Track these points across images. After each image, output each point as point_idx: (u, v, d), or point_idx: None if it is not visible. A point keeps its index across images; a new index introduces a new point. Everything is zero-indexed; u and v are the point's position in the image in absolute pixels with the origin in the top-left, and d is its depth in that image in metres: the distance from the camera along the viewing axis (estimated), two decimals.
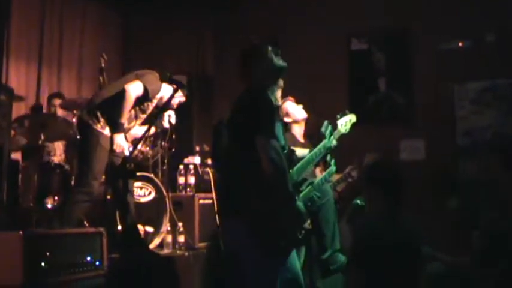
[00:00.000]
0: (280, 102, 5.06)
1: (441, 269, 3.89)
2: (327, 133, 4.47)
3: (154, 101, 4.72)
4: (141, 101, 4.60)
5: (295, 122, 5.10)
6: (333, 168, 4.67)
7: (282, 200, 3.08)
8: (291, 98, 5.17)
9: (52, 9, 6.90)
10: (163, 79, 4.70)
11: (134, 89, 4.47)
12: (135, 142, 4.82)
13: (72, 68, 7.11)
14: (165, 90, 4.72)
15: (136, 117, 4.74)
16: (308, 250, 4.69)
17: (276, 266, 3.14)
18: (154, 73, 4.73)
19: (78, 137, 4.80)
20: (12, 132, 5.17)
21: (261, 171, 3.03)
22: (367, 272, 3.11)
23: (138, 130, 4.86)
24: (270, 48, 3.34)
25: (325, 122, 4.52)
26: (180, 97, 4.83)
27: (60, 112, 5.69)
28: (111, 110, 4.47)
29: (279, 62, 3.34)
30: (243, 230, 3.09)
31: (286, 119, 5.06)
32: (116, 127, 4.39)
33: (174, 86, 4.41)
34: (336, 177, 5.15)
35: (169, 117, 4.82)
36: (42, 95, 6.47)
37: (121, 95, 4.45)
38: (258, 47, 3.38)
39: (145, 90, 4.52)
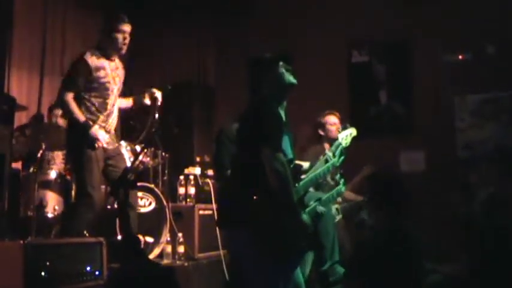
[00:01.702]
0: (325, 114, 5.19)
1: (440, 279, 3.89)
2: (337, 152, 4.50)
3: (99, 73, 4.43)
4: (80, 90, 4.39)
5: (327, 138, 5.18)
6: (341, 187, 4.69)
7: (286, 211, 3.08)
8: (337, 114, 5.27)
9: (54, 19, 6.92)
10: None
11: (63, 90, 4.36)
12: (136, 153, 4.82)
13: None
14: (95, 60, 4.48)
15: (105, 98, 4.47)
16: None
17: (279, 276, 3.14)
18: (79, 57, 4.50)
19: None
20: (14, 142, 5.19)
21: (266, 182, 3.04)
22: (368, 282, 3.11)
23: (121, 102, 4.74)
24: (281, 63, 3.35)
25: (337, 141, 4.56)
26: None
27: (61, 122, 5.71)
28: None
29: (290, 78, 3.35)
30: (247, 240, 3.10)
31: (320, 131, 5.20)
32: (84, 128, 4.30)
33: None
34: (351, 196, 5.23)
35: (153, 94, 4.63)
36: (43, 104, 6.48)
37: (61, 103, 4.43)
38: (270, 59, 3.39)
39: (73, 80, 4.37)
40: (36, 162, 5.10)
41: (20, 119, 5.87)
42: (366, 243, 3.30)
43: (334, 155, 4.42)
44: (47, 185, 5.16)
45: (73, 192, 5.14)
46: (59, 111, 5.76)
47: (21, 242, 3.38)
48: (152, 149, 5.43)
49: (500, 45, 6.35)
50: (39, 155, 5.12)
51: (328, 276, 4.66)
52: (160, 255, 4.99)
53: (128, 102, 4.78)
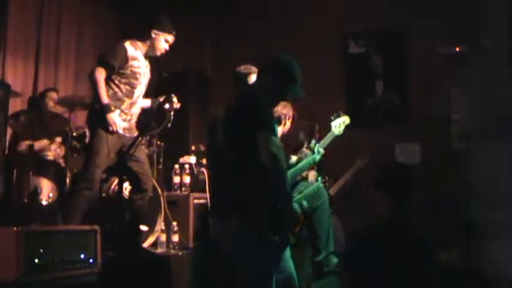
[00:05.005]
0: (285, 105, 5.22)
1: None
2: (316, 149, 4.57)
3: (134, 62, 4.58)
4: (113, 72, 4.52)
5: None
6: (319, 184, 4.73)
7: (280, 195, 3.09)
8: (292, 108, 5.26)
9: (50, 5, 6.89)
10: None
11: (95, 70, 4.45)
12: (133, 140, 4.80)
13: (70, 64, 7.10)
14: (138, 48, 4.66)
15: (133, 87, 4.60)
16: (301, 252, 4.70)
17: (272, 261, 3.15)
18: (120, 43, 4.64)
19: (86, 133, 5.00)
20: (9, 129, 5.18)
21: (259, 169, 3.04)
22: (369, 273, 3.10)
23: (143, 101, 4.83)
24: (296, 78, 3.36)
25: (313, 141, 4.65)
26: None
27: (57, 108, 5.69)
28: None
29: (300, 92, 3.36)
30: (240, 229, 3.10)
31: None
32: (103, 110, 4.39)
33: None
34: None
35: (171, 99, 4.72)
36: (39, 91, 6.46)
37: (90, 81, 4.51)
38: (289, 68, 3.37)
39: (106, 62, 4.48)
40: (30, 149, 5.09)
41: (14, 105, 5.84)
42: (368, 234, 3.27)
43: (313, 151, 4.50)
44: (42, 172, 5.15)
45: (68, 180, 5.13)
46: (55, 95, 5.74)
47: (15, 229, 3.36)
48: (147, 137, 5.42)
49: (497, 37, 6.34)
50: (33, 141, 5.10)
51: (323, 267, 4.67)
52: (155, 244, 4.99)
53: (146, 102, 4.86)
